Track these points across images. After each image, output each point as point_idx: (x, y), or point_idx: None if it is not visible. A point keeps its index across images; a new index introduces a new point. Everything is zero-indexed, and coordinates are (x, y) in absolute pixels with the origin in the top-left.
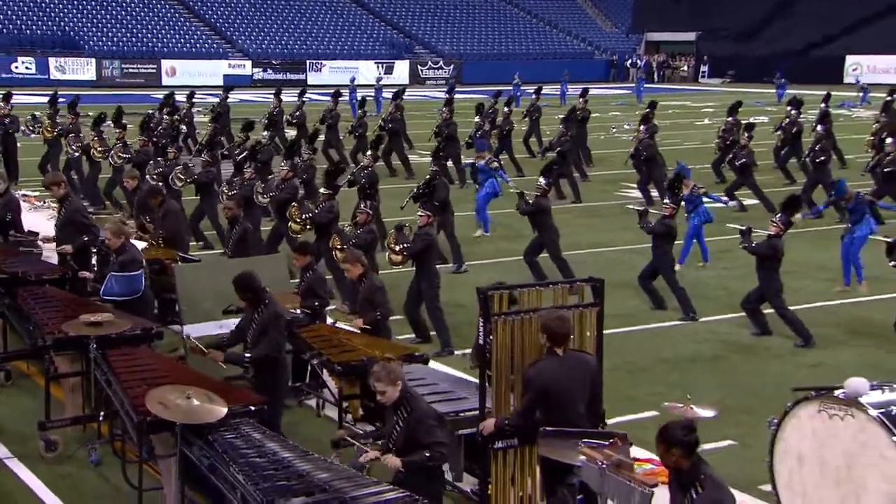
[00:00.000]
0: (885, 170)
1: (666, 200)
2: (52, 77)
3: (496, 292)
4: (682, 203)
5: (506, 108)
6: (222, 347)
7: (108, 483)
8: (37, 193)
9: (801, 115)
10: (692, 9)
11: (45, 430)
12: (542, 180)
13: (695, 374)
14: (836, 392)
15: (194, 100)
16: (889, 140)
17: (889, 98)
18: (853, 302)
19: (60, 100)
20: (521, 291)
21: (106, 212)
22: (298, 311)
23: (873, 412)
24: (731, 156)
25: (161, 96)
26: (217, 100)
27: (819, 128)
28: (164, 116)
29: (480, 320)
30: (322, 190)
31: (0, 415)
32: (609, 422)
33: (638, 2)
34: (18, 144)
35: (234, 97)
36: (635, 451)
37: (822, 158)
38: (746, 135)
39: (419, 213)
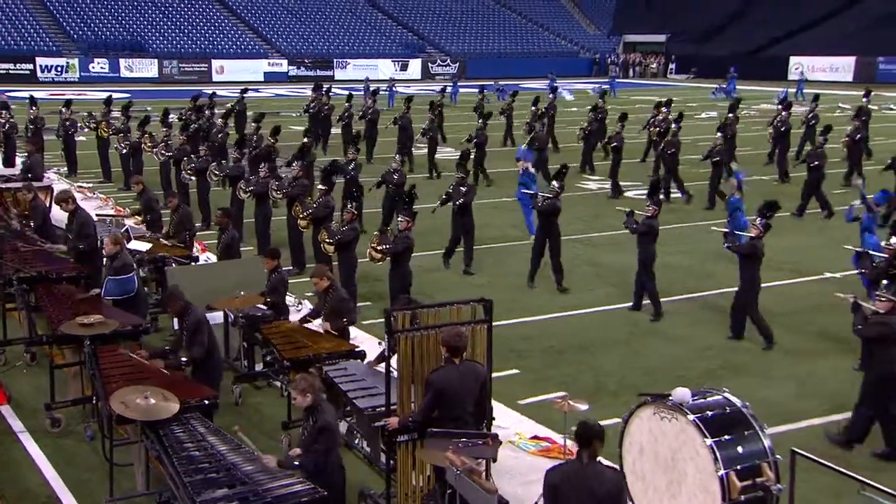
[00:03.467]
0: None
1: (648, 203)
2: (122, 75)
3: (399, 312)
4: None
5: (533, 108)
6: (166, 354)
7: (98, 456)
8: (90, 185)
9: (790, 115)
10: (662, 14)
11: (50, 409)
12: (649, 203)
13: (603, 357)
14: (667, 399)
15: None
16: None
17: (864, 100)
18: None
19: (125, 95)
20: (420, 311)
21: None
22: (266, 308)
23: (691, 416)
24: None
25: (210, 91)
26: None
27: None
28: (196, 115)
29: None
30: (319, 186)
31: (22, 392)
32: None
33: (618, 8)
34: (77, 139)
35: (270, 91)
36: (539, 429)
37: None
38: (675, 126)
39: (399, 219)
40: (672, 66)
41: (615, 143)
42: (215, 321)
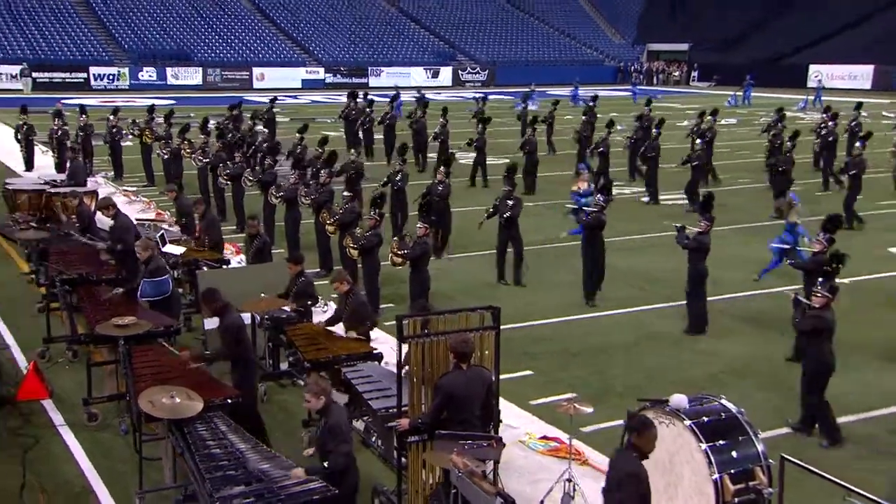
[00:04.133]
0: None
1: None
2: (168, 83)
3: (410, 319)
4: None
5: (584, 117)
6: (207, 356)
7: (131, 450)
8: (134, 188)
9: (836, 124)
10: (685, 24)
11: (87, 405)
12: (701, 220)
13: (613, 360)
14: (665, 405)
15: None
16: None
17: None
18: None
19: (170, 102)
20: (431, 318)
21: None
22: (291, 311)
23: (687, 422)
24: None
25: (253, 98)
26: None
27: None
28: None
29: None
30: (345, 193)
31: (63, 387)
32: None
33: (642, 17)
34: (123, 145)
35: (307, 98)
36: (548, 430)
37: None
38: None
39: (418, 226)
40: (694, 73)
41: (601, 149)
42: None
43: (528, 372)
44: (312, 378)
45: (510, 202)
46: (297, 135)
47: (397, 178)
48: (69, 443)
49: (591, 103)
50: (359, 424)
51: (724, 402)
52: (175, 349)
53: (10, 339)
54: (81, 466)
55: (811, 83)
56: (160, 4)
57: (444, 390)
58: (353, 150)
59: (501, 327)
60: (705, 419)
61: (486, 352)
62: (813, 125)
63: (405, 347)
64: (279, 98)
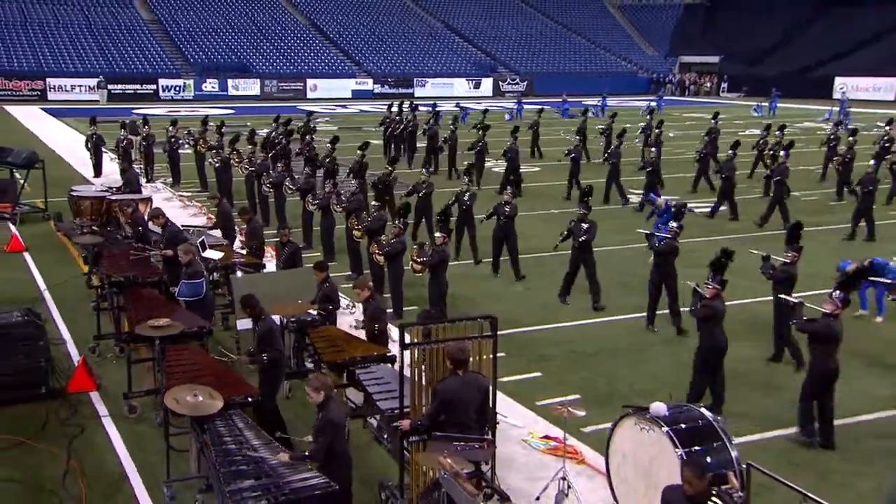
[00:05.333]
0: None
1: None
2: (229, 93)
3: (412, 328)
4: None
5: (657, 130)
6: (249, 353)
7: (164, 442)
8: (189, 194)
9: (857, 141)
10: (716, 37)
11: (127, 398)
12: (788, 250)
13: (621, 364)
14: (646, 412)
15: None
16: None
17: None
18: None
19: (230, 112)
20: (432, 327)
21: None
22: (316, 314)
23: (665, 429)
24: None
25: (306, 108)
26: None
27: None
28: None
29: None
30: (373, 203)
31: (110, 380)
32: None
33: (675, 31)
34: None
35: (355, 107)
36: (551, 429)
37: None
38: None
39: (437, 235)
40: (724, 85)
41: (574, 155)
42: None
43: (537, 374)
44: (313, 374)
45: (585, 225)
46: (328, 145)
47: (465, 196)
48: (110, 433)
49: (713, 121)
50: (373, 422)
51: (702, 410)
52: (210, 349)
53: (66, 334)
54: (119, 455)
55: (836, 95)
56: (223, 20)
57: (440, 395)
58: (424, 170)
59: (519, 330)
60: (682, 426)
61: (485, 357)
62: (824, 137)
63: (407, 354)
64: (328, 108)
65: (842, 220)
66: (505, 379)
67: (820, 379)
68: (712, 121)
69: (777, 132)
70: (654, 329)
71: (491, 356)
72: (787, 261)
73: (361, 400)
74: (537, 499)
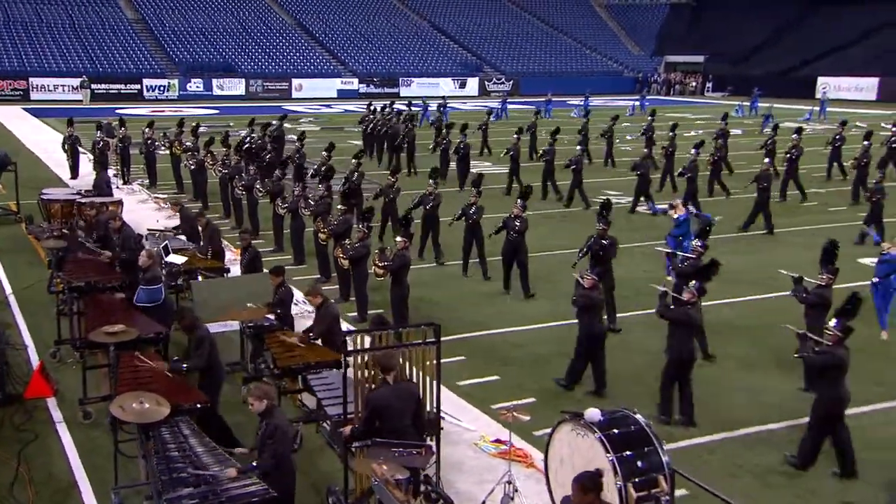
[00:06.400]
0: None
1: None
2: (214, 93)
3: (354, 335)
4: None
5: (671, 133)
6: (177, 362)
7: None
8: (164, 196)
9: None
10: (702, 37)
11: (83, 404)
12: (822, 271)
13: None
14: (581, 418)
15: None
16: None
17: None
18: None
19: (215, 112)
20: (375, 333)
21: (207, 213)
22: (273, 318)
23: (597, 434)
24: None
25: (290, 108)
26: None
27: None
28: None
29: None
30: (339, 206)
31: (68, 386)
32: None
33: (660, 30)
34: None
35: (340, 107)
36: (504, 433)
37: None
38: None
39: (398, 239)
40: (709, 84)
41: (547, 157)
42: (232, 328)
43: (496, 377)
44: (254, 383)
45: (605, 241)
46: (298, 142)
47: (430, 199)
48: (64, 439)
49: (723, 122)
50: (326, 426)
51: (636, 415)
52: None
53: (28, 339)
54: (71, 462)
55: (819, 94)
56: (208, 20)
57: (371, 403)
58: (392, 175)
59: (482, 333)
60: (615, 431)
61: (428, 363)
62: (829, 137)
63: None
64: (313, 108)
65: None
66: (463, 383)
67: (828, 412)
68: (722, 122)
69: (794, 135)
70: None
71: (435, 362)
72: (822, 283)
73: (313, 405)
74: (483, 502)
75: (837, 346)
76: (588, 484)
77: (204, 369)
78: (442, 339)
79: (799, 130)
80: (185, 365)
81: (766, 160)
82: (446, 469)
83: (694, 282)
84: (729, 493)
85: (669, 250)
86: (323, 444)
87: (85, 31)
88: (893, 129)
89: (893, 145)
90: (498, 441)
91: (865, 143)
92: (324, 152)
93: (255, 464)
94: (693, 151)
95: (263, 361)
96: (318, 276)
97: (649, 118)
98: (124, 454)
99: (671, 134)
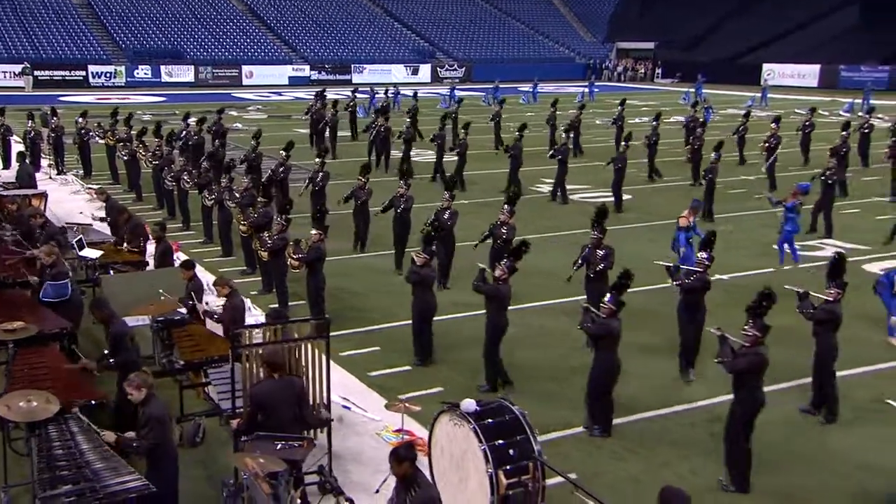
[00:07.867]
0: None
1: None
2: (162, 80)
3: (244, 331)
4: None
5: (654, 123)
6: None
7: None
8: (97, 187)
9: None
10: (651, 24)
11: None
12: (830, 285)
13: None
14: (458, 408)
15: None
16: None
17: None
18: None
19: (162, 99)
20: (265, 329)
21: (140, 204)
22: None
23: (472, 424)
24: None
25: (240, 95)
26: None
27: None
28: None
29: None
30: (259, 198)
31: None
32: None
33: (612, 17)
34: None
35: (291, 94)
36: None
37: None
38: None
39: (312, 232)
40: (658, 71)
41: (512, 152)
42: (144, 323)
43: (407, 368)
44: (134, 373)
45: (601, 252)
46: (253, 142)
47: (401, 201)
48: None
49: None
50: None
51: (511, 405)
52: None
53: None
54: None
55: (763, 81)
56: (156, 5)
57: (254, 398)
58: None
59: (398, 324)
60: (489, 421)
61: (318, 356)
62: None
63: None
64: (263, 96)
65: None
66: (375, 373)
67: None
68: (691, 108)
69: (773, 124)
70: (690, 379)
71: (324, 357)
72: (830, 298)
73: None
74: (377, 491)
75: (612, 318)
76: (402, 453)
77: (123, 364)
78: (357, 329)
79: (777, 120)
80: (112, 360)
81: (714, 155)
82: (346, 460)
83: (505, 260)
84: (617, 477)
85: (669, 264)
86: (227, 438)
87: (27, 15)
88: (865, 116)
89: (866, 131)
90: (399, 431)
91: (773, 125)
92: (252, 140)
93: (135, 444)
94: (713, 156)
95: (171, 355)
96: (245, 268)
97: (619, 107)
98: (17, 452)
99: (654, 123)
